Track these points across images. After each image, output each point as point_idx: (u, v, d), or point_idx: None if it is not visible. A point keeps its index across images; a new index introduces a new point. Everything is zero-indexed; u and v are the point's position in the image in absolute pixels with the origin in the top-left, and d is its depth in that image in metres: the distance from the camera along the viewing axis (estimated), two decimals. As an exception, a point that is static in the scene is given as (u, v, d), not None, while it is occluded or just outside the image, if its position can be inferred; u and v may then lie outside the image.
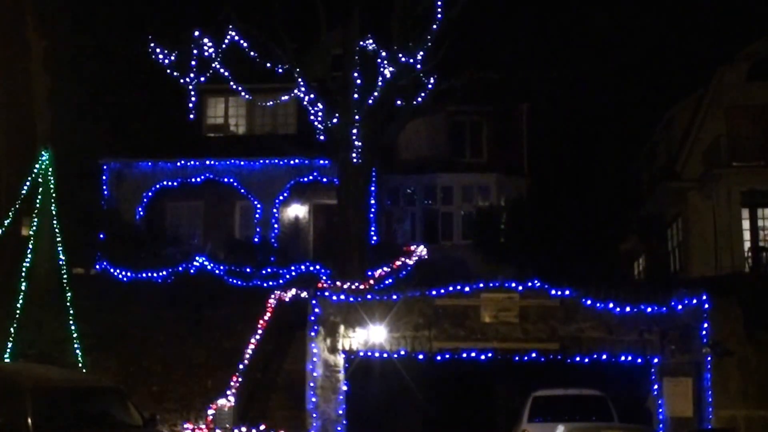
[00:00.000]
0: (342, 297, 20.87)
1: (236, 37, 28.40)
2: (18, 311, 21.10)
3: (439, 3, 26.72)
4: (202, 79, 28.31)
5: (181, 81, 28.02)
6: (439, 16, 26.78)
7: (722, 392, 20.09)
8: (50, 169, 22.05)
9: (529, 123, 36.62)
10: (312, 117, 28.17)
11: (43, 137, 26.69)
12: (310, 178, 32.59)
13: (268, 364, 23.49)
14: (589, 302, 20.36)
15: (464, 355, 20.66)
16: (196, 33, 27.87)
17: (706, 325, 20.14)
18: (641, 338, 20.21)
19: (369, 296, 21.06)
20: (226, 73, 28.04)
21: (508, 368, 21.80)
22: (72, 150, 27.91)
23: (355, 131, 27.09)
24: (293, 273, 29.71)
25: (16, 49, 27.94)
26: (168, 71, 28.17)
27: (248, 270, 29.87)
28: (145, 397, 21.73)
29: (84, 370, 20.91)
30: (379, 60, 27.43)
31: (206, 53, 27.94)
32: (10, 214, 22.31)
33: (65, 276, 21.87)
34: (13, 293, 21.52)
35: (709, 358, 20.07)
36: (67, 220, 22.92)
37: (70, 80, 28.85)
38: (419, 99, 27.89)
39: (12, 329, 21.03)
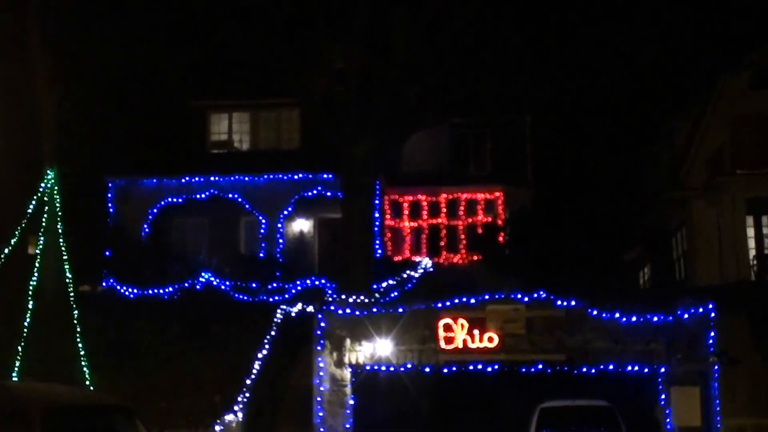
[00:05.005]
0: (348, 311, 20.89)
1: (239, 52, 28.56)
2: (25, 330, 21.11)
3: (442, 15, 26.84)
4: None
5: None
6: (443, 28, 26.89)
7: (730, 401, 20.07)
8: (56, 188, 22.11)
9: (532, 134, 36.69)
10: (315, 132, 28.25)
11: (48, 155, 26.79)
12: (314, 192, 32.67)
13: (274, 378, 23.49)
14: (595, 313, 20.35)
15: (471, 367, 20.66)
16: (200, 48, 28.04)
17: (712, 333, 20.13)
18: (648, 348, 20.19)
19: (375, 310, 21.08)
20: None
21: (515, 380, 21.79)
22: (77, 168, 28.02)
23: (358, 145, 27.15)
24: (299, 287, 29.73)
25: (21, 67, 28.07)
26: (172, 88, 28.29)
27: (254, 285, 29.90)
28: (153, 414, 21.71)
29: (92, 388, 20.91)
30: (381, 73, 27.51)
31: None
32: (17, 232, 22.36)
33: (72, 294, 21.91)
34: (20, 312, 21.55)
35: (716, 367, 20.05)
36: (73, 238, 22.97)
37: (75, 99, 28.95)
38: (422, 112, 27.95)
39: (19, 348, 21.05)
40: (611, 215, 41.06)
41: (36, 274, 21.58)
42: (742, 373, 20.24)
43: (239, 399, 21.59)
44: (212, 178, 32.98)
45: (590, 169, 44.82)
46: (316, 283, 29.83)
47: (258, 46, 28.01)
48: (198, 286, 29.73)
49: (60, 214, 22.29)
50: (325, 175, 32.07)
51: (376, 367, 20.95)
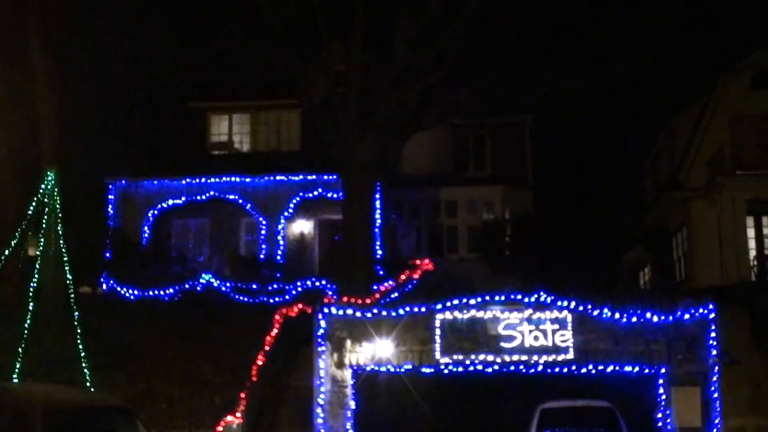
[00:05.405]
0: (348, 312, 20.88)
1: (239, 53, 28.59)
2: (25, 331, 21.13)
3: (443, 17, 26.86)
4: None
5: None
6: (443, 29, 26.91)
7: (730, 401, 20.06)
8: (56, 189, 22.12)
9: (532, 135, 36.70)
10: (316, 133, 28.27)
11: (48, 157, 26.82)
12: (315, 193, 32.66)
13: (275, 380, 23.51)
14: (595, 313, 20.35)
15: (471, 368, 20.66)
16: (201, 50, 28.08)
17: (713, 334, 20.13)
18: (648, 348, 20.17)
19: (375, 310, 21.07)
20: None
21: (515, 381, 21.78)
22: (78, 170, 28.05)
23: (358, 146, 27.15)
24: (299, 288, 29.75)
25: (21, 70, 28.11)
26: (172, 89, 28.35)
27: (254, 286, 29.90)
28: (153, 415, 21.74)
29: (92, 389, 20.93)
30: (381, 74, 27.52)
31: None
32: (17, 234, 22.38)
33: (72, 295, 21.93)
34: (21, 313, 21.57)
35: (716, 368, 20.04)
36: (73, 239, 22.99)
37: (75, 100, 28.98)
38: (422, 113, 27.96)
39: (20, 349, 21.07)
40: (611, 216, 41.07)
41: (36, 276, 21.58)
42: (743, 374, 20.23)
43: (240, 400, 21.60)
44: (212, 180, 32.98)
45: (590, 170, 44.85)
46: (317, 284, 29.84)
47: (258, 48, 28.02)
48: (198, 288, 29.74)
49: (60, 215, 22.31)
50: (325, 176, 32.05)
51: (376, 368, 20.95)
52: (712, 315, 20.15)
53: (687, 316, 20.25)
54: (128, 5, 31.46)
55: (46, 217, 21.96)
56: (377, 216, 30.37)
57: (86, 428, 14.75)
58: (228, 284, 29.93)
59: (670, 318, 20.26)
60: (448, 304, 20.66)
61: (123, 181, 33.29)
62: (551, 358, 20.25)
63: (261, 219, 32.82)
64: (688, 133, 34.70)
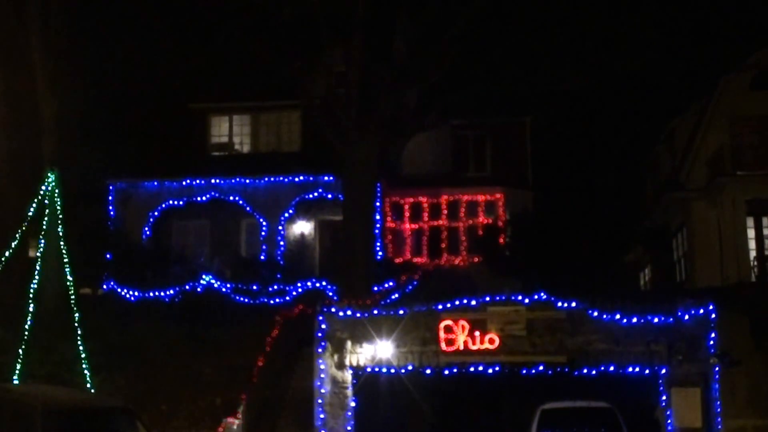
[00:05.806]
0: (348, 313, 20.89)
1: (239, 54, 28.59)
2: (26, 332, 21.13)
3: (444, 18, 26.86)
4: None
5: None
6: (443, 29, 26.91)
7: (731, 402, 20.07)
8: (57, 191, 22.12)
9: (532, 136, 36.72)
10: (316, 134, 28.27)
11: (49, 159, 26.82)
12: (315, 194, 32.69)
13: (276, 381, 23.52)
14: (595, 314, 20.34)
15: (472, 369, 20.67)
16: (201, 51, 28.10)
17: (713, 335, 20.13)
18: (648, 349, 20.16)
19: (375, 311, 21.07)
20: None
21: (516, 381, 21.79)
22: (78, 171, 28.06)
23: (358, 147, 27.15)
24: (300, 290, 29.76)
25: (22, 72, 28.13)
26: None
27: (255, 287, 29.90)
28: (154, 416, 21.75)
29: (93, 390, 20.93)
30: (381, 74, 27.50)
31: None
32: (17, 236, 22.38)
33: (73, 296, 21.92)
34: (21, 315, 21.57)
35: (717, 368, 20.05)
36: (73, 241, 22.99)
37: (75, 101, 28.98)
38: (423, 114, 27.95)
39: (20, 351, 21.07)
40: (612, 216, 41.08)
41: (37, 277, 21.58)
42: (743, 374, 20.24)
43: (240, 401, 21.61)
44: (213, 181, 33.01)
45: (591, 170, 44.87)
46: (317, 285, 29.84)
47: (259, 49, 28.03)
48: (199, 289, 29.74)
49: (61, 217, 22.31)
50: (325, 177, 32.11)
51: (377, 369, 20.96)
52: (713, 316, 20.15)
53: (687, 317, 20.24)
54: (128, 6, 31.48)
55: (46, 218, 21.95)
56: (377, 217, 30.37)
57: (86, 429, 14.78)
58: (228, 285, 29.93)
59: (671, 319, 20.26)
60: (449, 304, 20.67)
61: (124, 183, 33.32)
62: (552, 358, 20.25)
63: (261, 220, 32.85)
64: (688, 133, 34.74)
